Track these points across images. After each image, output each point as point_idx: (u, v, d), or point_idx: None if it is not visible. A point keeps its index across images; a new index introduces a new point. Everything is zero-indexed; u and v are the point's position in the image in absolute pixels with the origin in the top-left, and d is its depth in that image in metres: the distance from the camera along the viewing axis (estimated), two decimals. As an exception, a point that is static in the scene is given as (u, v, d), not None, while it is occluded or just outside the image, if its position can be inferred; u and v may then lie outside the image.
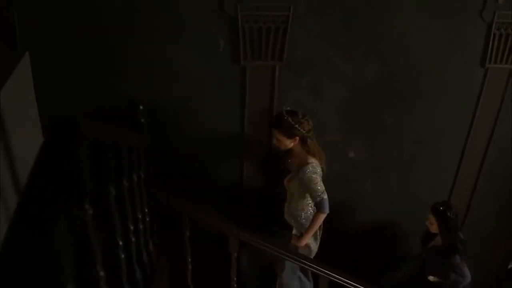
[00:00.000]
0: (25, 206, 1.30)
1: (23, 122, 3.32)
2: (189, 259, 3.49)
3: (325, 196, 3.60)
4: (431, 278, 4.24)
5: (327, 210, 3.63)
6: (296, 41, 3.69)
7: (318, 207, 3.62)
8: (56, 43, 3.45)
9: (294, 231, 3.87)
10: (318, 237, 3.91)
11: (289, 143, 3.63)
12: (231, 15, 3.54)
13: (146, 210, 3.08)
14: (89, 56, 3.52)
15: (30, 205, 1.29)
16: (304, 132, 3.58)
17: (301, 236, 3.78)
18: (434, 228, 4.13)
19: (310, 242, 3.84)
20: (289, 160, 3.81)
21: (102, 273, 1.83)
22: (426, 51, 3.83)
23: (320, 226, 3.87)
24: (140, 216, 2.88)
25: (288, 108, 3.63)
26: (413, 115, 4.11)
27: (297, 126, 3.55)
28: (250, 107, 3.88)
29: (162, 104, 3.74)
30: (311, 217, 3.76)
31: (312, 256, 3.87)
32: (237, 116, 3.93)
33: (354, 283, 3.67)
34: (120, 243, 2.25)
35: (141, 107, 3.24)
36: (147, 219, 3.09)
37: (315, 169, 3.62)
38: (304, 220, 3.80)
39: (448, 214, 4.02)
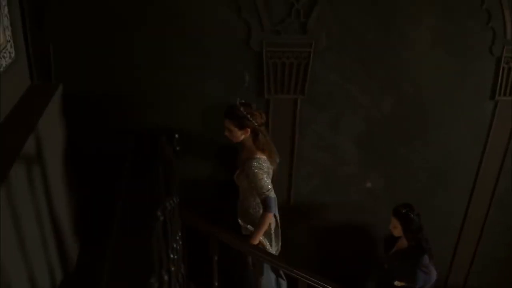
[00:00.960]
0: (126, 213, 1.44)
1: (56, 151, 3.45)
2: (216, 284, 3.56)
3: (271, 195, 3.47)
4: (397, 283, 4.12)
5: (273, 210, 3.51)
6: (317, 76, 3.88)
7: (263, 205, 3.51)
8: (90, 77, 3.61)
9: (243, 231, 3.75)
10: (273, 237, 3.76)
11: (240, 135, 3.53)
12: (257, 50, 3.74)
13: (179, 233, 3.17)
14: (122, 89, 3.68)
15: (129, 213, 1.43)
16: (256, 124, 3.51)
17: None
18: (397, 231, 4.04)
19: (263, 241, 3.70)
20: (240, 155, 3.69)
21: (166, 277, 1.92)
22: (439, 85, 4.02)
23: (277, 225, 3.76)
24: (177, 238, 2.98)
25: (243, 100, 3.55)
26: (427, 146, 4.26)
27: (249, 117, 3.47)
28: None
29: (189, 134, 3.87)
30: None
31: None
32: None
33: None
34: (171, 256, 2.34)
35: (176, 136, 3.39)
36: (180, 242, 3.18)
37: (260, 164, 3.51)
38: (254, 217, 3.67)
39: (411, 215, 3.95)
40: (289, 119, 3.99)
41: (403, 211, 3.98)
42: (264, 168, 3.52)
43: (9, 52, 3.29)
